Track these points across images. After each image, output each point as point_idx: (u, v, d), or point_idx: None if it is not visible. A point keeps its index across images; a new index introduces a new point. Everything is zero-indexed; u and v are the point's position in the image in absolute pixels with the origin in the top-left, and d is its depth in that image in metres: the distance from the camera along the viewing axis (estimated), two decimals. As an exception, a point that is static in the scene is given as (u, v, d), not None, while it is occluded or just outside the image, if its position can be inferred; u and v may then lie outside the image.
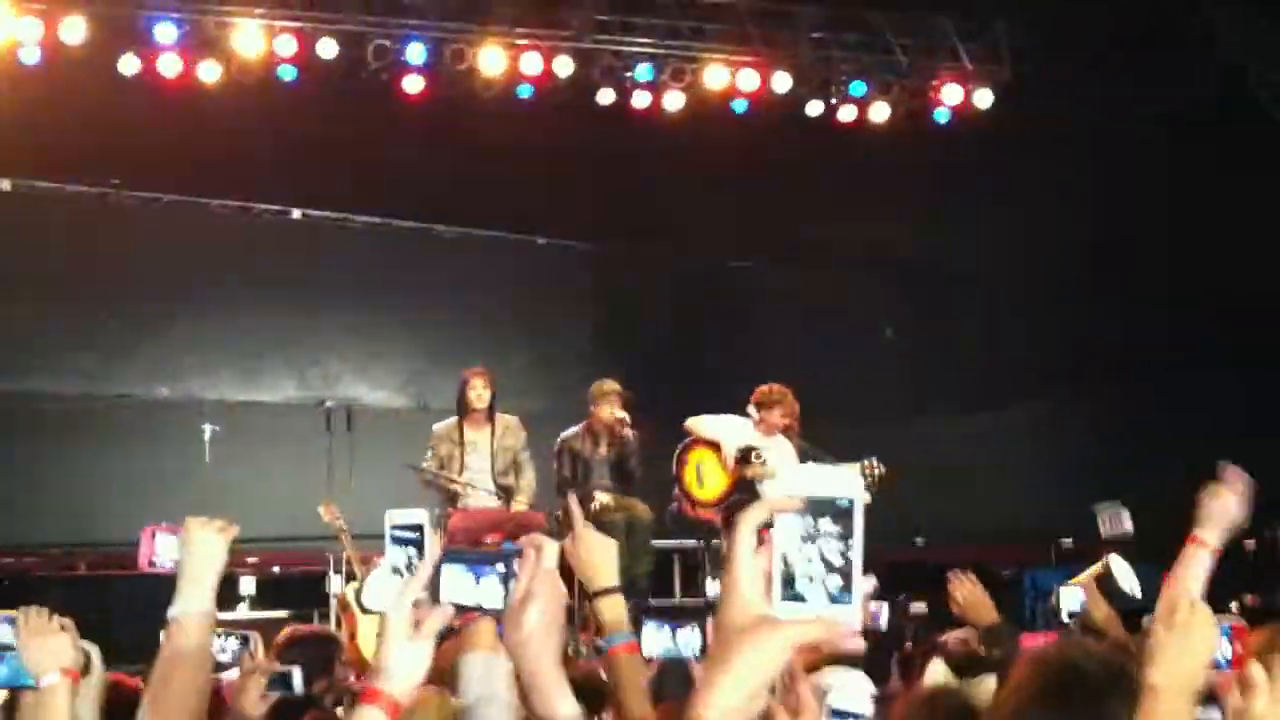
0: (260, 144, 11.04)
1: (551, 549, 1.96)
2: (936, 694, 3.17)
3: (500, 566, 2.00)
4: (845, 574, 1.29)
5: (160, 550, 2.81)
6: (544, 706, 1.96)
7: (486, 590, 2.01)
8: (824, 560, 1.29)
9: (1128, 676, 2.52)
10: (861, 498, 1.30)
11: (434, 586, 2.03)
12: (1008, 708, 2.52)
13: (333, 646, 4.55)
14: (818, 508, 1.29)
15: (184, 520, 2.75)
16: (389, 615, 2.01)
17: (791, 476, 1.31)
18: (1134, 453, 11.20)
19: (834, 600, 1.28)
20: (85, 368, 11.63)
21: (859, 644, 1.16)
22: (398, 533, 2.24)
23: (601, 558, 2.86)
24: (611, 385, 9.09)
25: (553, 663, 1.96)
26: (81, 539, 10.57)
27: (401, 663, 2.01)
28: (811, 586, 1.29)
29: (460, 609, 2.02)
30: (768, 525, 1.31)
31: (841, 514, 1.29)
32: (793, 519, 1.30)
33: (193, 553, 2.63)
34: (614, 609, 2.83)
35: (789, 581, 1.29)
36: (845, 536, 1.29)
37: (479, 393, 8.89)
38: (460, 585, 2.03)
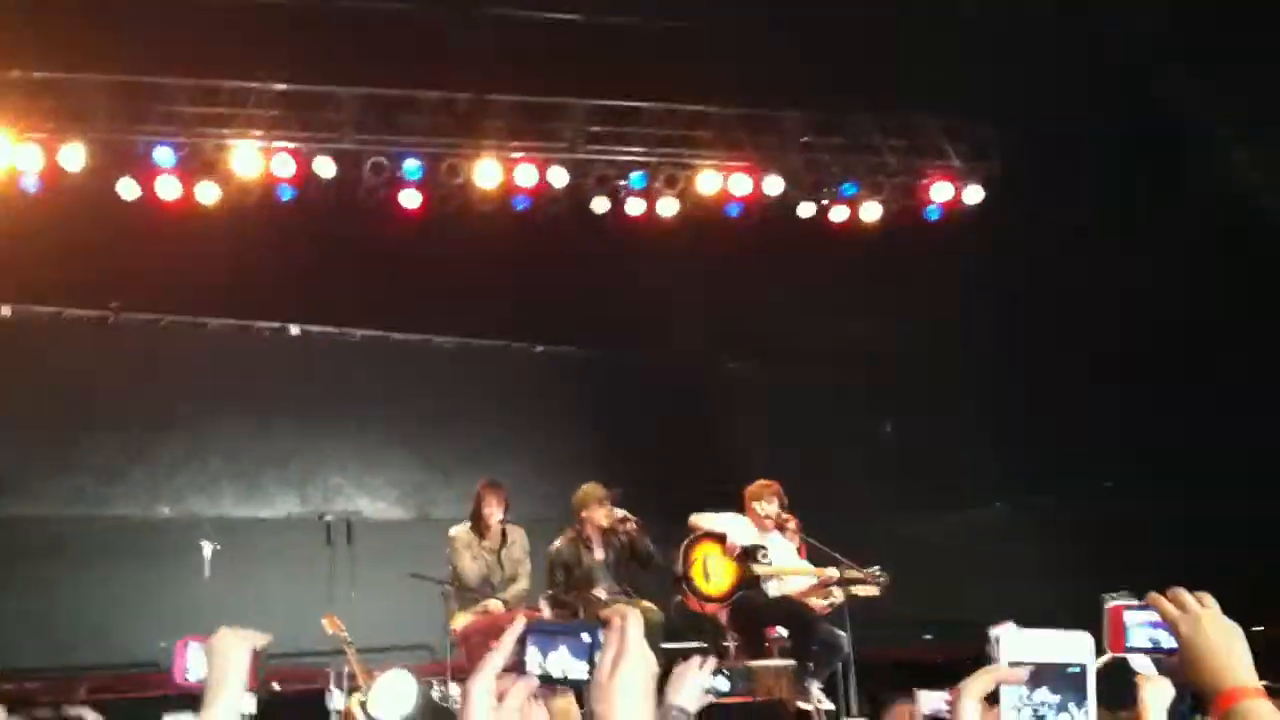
0: (259, 262, 11.13)
1: (637, 618, 1.95)
2: None
3: (585, 637, 1.99)
4: None
5: (193, 662, 2.76)
6: None
7: (572, 662, 2.00)
8: None
9: None
10: (1093, 662, 1.27)
11: (519, 659, 2.01)
12: None
13: None
14: (1045, 675, 1.26)
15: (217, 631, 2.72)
16: (473, 686, 2.00)
17: (1019, 641, 1.27)
18: (1126, 549, 11.12)
19: None
20: (84, 489, 11.60)
21: None
22: None
23: None
24: (596, 489, 9.04)
25: None
26: (82, 661, 10.43)
27: None
28: None
29: (545, 679, 2.01)
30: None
31: (1071, 680, 1.26)
32: (1019, 688, 1.26)
33: (220, 662, 2.59)
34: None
35: None
36: (1076, 703, 1.26)
37: (492, 509, 9.00)
38: (545, 657, 2.01)
